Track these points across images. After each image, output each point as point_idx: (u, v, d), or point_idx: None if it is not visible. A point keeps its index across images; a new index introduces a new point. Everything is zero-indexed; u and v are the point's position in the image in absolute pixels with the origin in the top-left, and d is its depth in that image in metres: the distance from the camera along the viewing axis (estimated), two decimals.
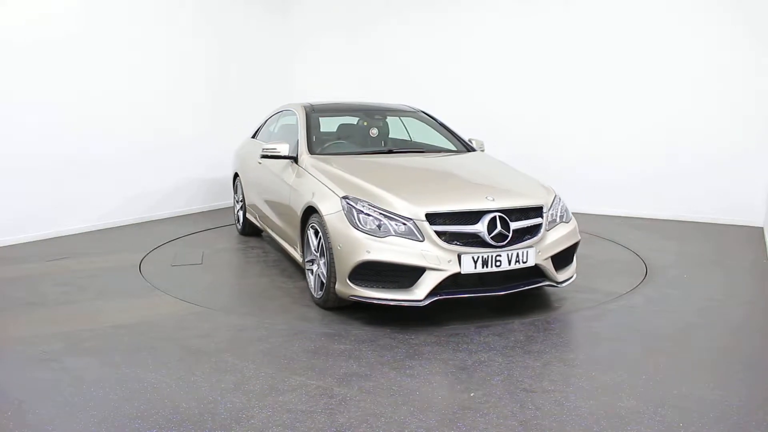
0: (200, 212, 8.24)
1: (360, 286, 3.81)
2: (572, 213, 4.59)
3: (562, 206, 4.35)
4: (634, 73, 7.74)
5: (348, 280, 3.83)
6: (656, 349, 3.57)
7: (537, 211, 4.06)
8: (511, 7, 8.44)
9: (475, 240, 3.79)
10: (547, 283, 4.11)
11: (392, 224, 3.78)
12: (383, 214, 3.81)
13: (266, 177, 5.53)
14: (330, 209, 4.02)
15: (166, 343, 3.60)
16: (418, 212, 3.78)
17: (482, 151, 5.51)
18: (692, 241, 6.47)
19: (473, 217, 3.82)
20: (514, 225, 3.87)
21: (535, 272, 4.03)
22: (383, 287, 3.80)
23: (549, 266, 4.05)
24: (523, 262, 3.87)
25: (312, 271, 4.35)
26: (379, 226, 3.79)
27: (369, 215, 3.83)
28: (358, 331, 3.80)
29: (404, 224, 3.77)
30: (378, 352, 3.48)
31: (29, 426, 2.65)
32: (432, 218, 3.78)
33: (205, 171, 8.40)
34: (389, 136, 5.77)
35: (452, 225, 3.80)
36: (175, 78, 7.85)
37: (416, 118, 5.85)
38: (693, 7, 7.37)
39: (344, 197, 3.98)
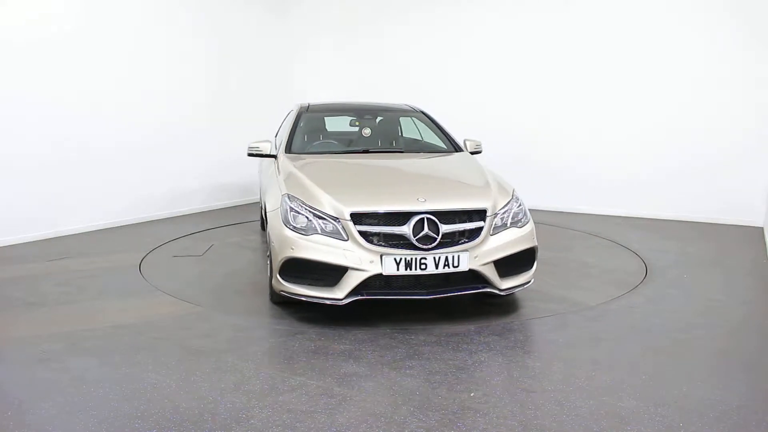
0: (201, 212, 8.24)
1: (289, 282, 3.89)
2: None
3: (517, 211, 4.15)
4: (634, 73, 7.74)
5: (278, 276, 3.92)
6: (656, 349, 3.57)
7: (479, 214, 3.92)
8: (511, 7, 8.44)
9: (403, 242, 3.75)
10: (489, 289, 3.94)
11: (320, 223, 3.83)
12: (313, 213, 3.87)
13: (265, 175, 5.61)
14: (272, 206, 4.18)
15: (166, 343, 3.60)
16: (344, 212, 3.80)
17: (479, 152, 5.45)
18: (692, 241, 6.47)
19: (402, 218, 3.76)
20: (445, 228, 3.78)
21: (479, 277, 3.89)
22: (309, 284, 3.86)
23: (489, 272, 3.88)
24: (454, 267, 3.77)
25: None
26: (307, 225, 3.85)
27: (299, 213, 3.90)
28: (358, 331, 3.80)
29: (331, 223, 3.81)
30: (378, 352, 3.48)
31: (29, 426, 2.65)
32: (357, 218, 3.78)
33: (205, 171, 8.40)
34: (379, 137, 5.79)
35: (378, 225, 3.77)
36: (175, 78, 7.84)
37: (414, 118, 5.86)
38: (693, 7, 7.37)
39: (284, 195, 4.07)
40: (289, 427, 2.64)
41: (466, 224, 3.86)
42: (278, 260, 3.88)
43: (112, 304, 4.36)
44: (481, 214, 3.93)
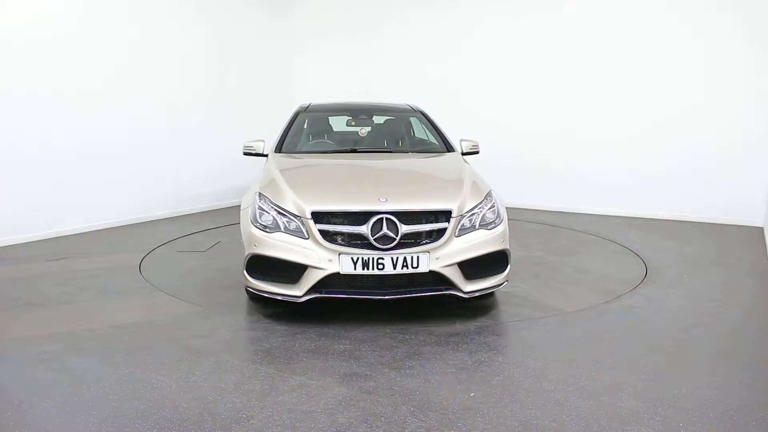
0: (201, 212, 8.24)
1: (254, 278, 3.96)
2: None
3: (488, 212, 4.05)
4: (634, 73, 7.75)
5: (245, 272, 3.99)
6: (656, 349, 3.57)
7: (444, 215, 3.87)
8: (511, 8, 8.44)
9: (363, 241, 3.75)
10: (452, 292, 3.89)
11: (284, 221, 3.88)
12: (278, 211, 3.92)
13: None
14: (245, 204, 4.25)
15: (166, 343, 3.60)
16: (306, 210, 3.83)
17: (476, 152, 5.40)
18: (692, 241, 6.47)
19: (363, 217, 3.76)
20: (406, 228, 3.75)
21: (444, 279, 3.85)
22: (272, 281, 3.91)
23: (453, 274, 3.83)
24: (414, 267, 3.74)
25: None
26: (272, 223, 3.91)
27: (266, 211, 3.96)
28: (358, 331, 3.80)
29: (294, 222, 3.85)
30: (378, 352, 3.48)
31: (29, 426, 2.65)
32: (318, 217, 3.80)
33: (206, 171, 8.40)
34: (374, 137, 5.80)
35: (338, 225, 3.79)
36: (175, 78, 7.85)
37: (412, 118, 5.86)
38: (693, 7, 7.37)
39: (256, 193, 4.14)
40: (289, 427, 2.64)
41: (428, 225, 3.81)
42: (245, 256, 3.98)
43: (112, 304, 4.36)
44: (446, 215, 3.87)
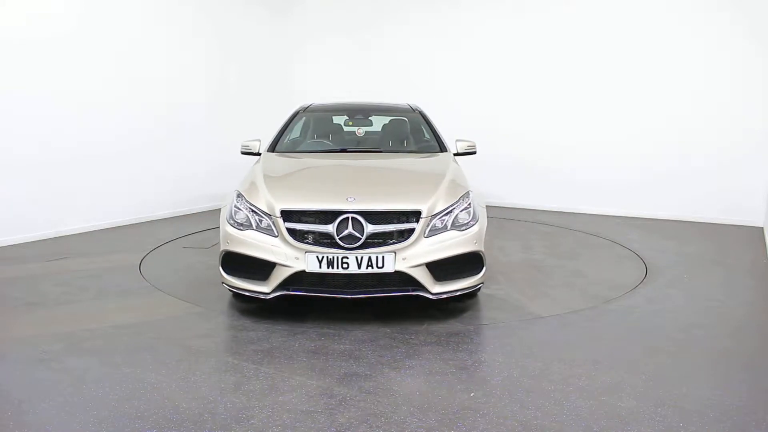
0: (201, 212, 8.24)
1: (228, 274, 4.06)
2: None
3: (462, 214, 4.01)
4: (634, 74, 7.75)
5: (220, 268, 4.09)
6: (656, 349, 3.57)
7: (414, 215, 3.85)
8: (512, 8, 8.44)
9: (330, 240, 3.77)
10: (420, 293, 3.85)
11: (256, 219, 3.96)
12: (251, 210, 4.00)
13: None
14: (226, 202, 4.33)
15: (166, 343, 3.60)
16: (276, 209, 3.90)
17: (472, 152, 5.35)
18: (692, 241, 6.47)
19: (330, 216, 3.79)
20: (372, 228, 3.75)
21: (412, 280, 3.82)
22: (244, 277, 3.99)
23: (420, 275, 3.79)
24: (379, 267, 3.74)
25: None
26: (246, 221, 3.99)
27: (240, 210, 4.06)
28: (358, 331, 3.80)
29: (266, 220, 3.93)
30: (378, 352, 3.48)
31: (29, 426, 2.65)
32: (287, 215, 3.86)
33: (206, 171, 8.39)
34: (370, 137, 5.82)
35: (306, 223, 3.83)
36: (175, 78, 7.84)
37: (410, 118, 5.85)
38: (693, 8, 7.37)
39: (235, 191, 4.25)
40: (289, 427, 2.64)
41: (395, 225, 3.81)
42: (219, 253, 4.08)
43: (112, 304, 4.36)
44: (415, 216, 3.85)
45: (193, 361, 3.34)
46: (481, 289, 4.49)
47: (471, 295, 4.36)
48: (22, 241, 6.15)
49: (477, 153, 5.44)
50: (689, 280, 5.04)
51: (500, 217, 7.77)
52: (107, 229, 6.97)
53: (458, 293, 3.99)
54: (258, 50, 9.27)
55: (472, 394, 2.96)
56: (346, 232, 3.74)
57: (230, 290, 4.12)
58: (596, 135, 8.07)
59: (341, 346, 3.55)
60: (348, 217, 3.76)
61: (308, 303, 4.23)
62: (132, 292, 4.65)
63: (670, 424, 2.68)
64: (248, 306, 4.32)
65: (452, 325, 3.91)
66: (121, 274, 5.11)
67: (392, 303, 4.21)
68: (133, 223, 7.33)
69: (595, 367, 3.28)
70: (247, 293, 3.98)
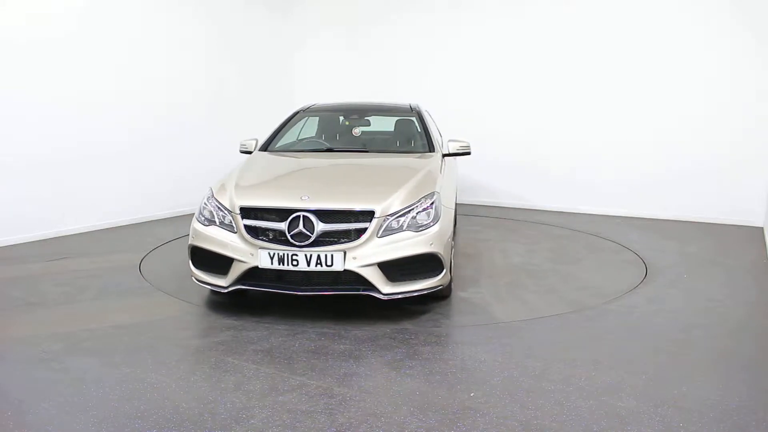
0: None
1: (196, 268, 4.20)
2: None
3: (421, 215, 3.97)
4: (635, 74, 7.74)
5: (190, 262, 4.23)
6: (656, 349, 3.57)
7: (368, 215, 3.87)
8: (512, 7, 8.43)
9: (283, 237, 3.85)
10: (371, 293, 3.85)
11: (220, 215, 4.09)
12: (217, 206, 4.14)
13: None
14: (201, 200, 4.43)
15: (166, 343, 3.60)
16: (236, 205, 4.02)
17: (466, 153, 5.28)
18: (692, 241, 6.47)
19: (285, 214, 3.88)
20: (322, 227, 3.80)
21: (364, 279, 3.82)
22: (208, 271, 4.13)
23: (371, 275, 3.79)
24: (328, 266, 3.78)
25: None
26: (211, 217, 4.13)
27: (207, 206, 4.20)
28: (358, 331, 3.80)
29: (228, 216, 4.04)
30: (378, 352, 3.48)
31: (29, 426, 2.65)
32: (245, 212, 3.97)
33: (206, 172, 8.38)
34: (365, 137, 5.84)
35: (261, 220, 3.94)
36: (175, 78, 7.84)
37: (409, 118, 5.85)
38: (693, 8, 7.37)
39: (209, 188, 4.38)
40: (289, 427, 2.64)
41: (346, 224, 3.85)
42: (188, 248, 4.23)
43: (112, 304, 4.36)
44: (368, 216, 3.87)
45: (193, 361, 3.35)
46: (456, 292, 4.51)
47: (437, 297, 4.31)
48: (22, 241, 6.15)
49: (475, 153, 5.44)
50: (689, 280, 5.04)
51: (501, 217, 7.78)
52: (107, 229, 6.97)
53: (413, 294, 3.95)
54: (258, 50, 9.26)
55: (472, 394, 2.96)
56: (296, 230, 3.81)
57: (198, 283, 4.23)
58: (596, 135, 8.06)
59: (341, 346, 3.55)
60: (299, 215, 3.84)
61: (308, 303, 4.24)
62: (132, 292, 4.65)
63: (670, 424, 2.68)
64: (248, 306, 4.32)
65: (452, 326, 3.91)
66: (121, 274, 5.11)
67: (392, 303, 4.20)
68: (133, 223, 7.33)
69: (596, 367, 3.28)
70: (209, 286, 4.13)
